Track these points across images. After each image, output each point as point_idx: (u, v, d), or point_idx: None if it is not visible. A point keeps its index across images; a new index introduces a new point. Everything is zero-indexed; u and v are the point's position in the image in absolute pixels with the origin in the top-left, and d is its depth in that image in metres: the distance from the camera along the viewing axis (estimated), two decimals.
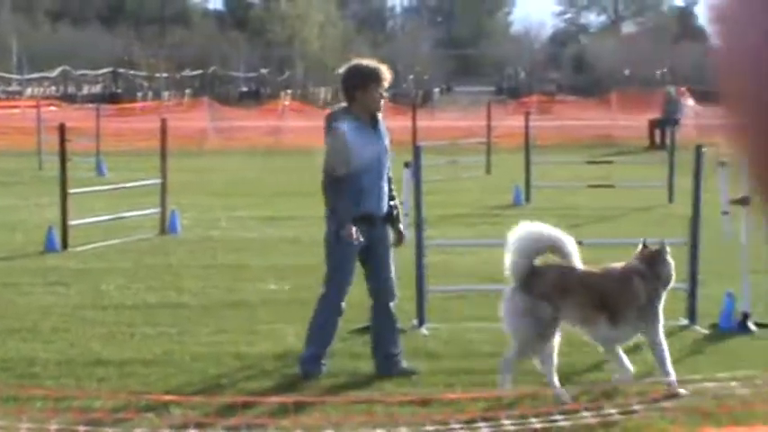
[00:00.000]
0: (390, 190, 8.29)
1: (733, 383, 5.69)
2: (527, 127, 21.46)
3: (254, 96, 75.65)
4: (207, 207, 19.45)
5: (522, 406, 5.91)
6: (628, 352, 8.40)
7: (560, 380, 7.81)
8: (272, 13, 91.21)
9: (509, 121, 35.57)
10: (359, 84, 8.03)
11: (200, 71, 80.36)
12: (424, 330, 9.55)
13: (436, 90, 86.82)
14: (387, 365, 8.15)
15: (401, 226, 8.56)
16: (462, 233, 16.16)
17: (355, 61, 8.37)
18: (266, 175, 27.02)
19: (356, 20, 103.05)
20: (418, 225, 9.94)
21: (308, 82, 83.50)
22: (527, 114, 22.75)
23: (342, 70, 8.31)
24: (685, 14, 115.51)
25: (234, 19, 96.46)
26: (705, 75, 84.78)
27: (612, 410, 4.39)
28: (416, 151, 10.31)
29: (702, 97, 53.55)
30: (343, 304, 8.19)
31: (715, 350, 8.90)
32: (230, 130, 41.95)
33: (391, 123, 39.63)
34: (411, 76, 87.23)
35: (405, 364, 8.31)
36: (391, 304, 8.41)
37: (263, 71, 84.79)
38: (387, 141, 8.27)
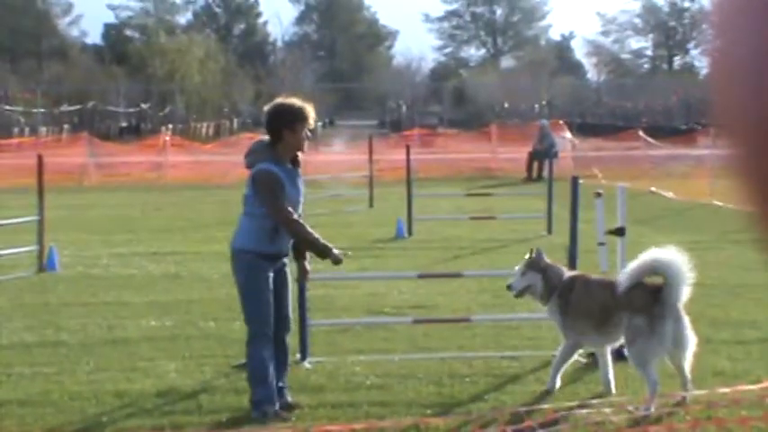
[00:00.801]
0: None
1: (607, 410, 5.80)
2: (408, 160, 21.63)
3: (135, 131, 74.83)
4: (87, 243, 19.16)
5: None
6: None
7: (444, 411, 7.88)
8: (152, 48, 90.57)
9: (391, 155, 35.81)
10: (287, 123, 7.99)
11: (78, 106, 79.17)
12: (306, 364, 9.54)
13: (319, 124, 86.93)
14: None
15: (306, 262, 8.55)
16: (345, 266, 16.15)
17: (281, 100, 8.29)
18: (148, 210, 26.73)
19: (237, 54, 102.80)
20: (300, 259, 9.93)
21: (189, 117, 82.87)
22: (408, 148, 22.92)
23: (268, 108, 8.20)
24: (562, 48, 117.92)
25: (113, 53, 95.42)
26: (581, 108, 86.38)
27: None
28: None
29: (579, 129, 54.58)
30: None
31: (593, 378, 9.06)
32: (111, 166, 41.43)
33: None
34: None
35: (289, 398, 8.28)
36: (287, 338, 8.34)
37: (144, 106, 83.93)
38: (302, 181, 8.24)
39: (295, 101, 8.23)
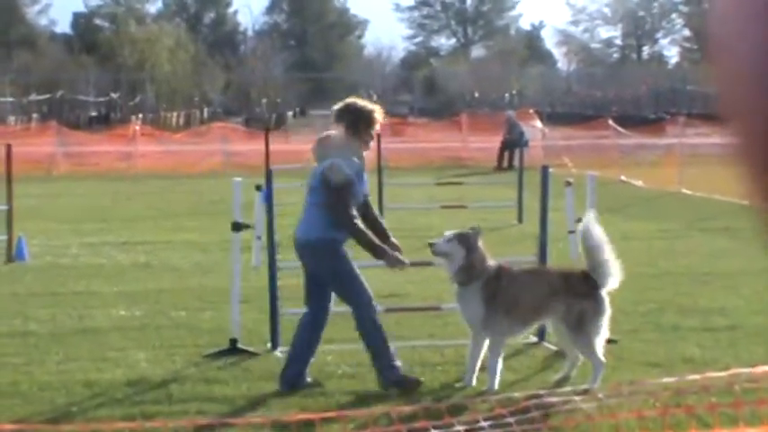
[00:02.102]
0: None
1: (577, 398, 5.84)
2: (379, 149, 21.61)
3: (105, 121, 74.43)
4: (56, 233, 19.06)
5: (373, 426, 5.95)
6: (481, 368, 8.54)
7: (416, 399, 7.90)
8: (122, 37, 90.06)
9: None
10: (366, 121, 8.35)
11: (47, 95, 78.70)
12: (278, 353, 9.53)
13: (290, 113, 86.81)
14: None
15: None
16: None
17: (358, 99, 8.57)
18: (118, 200, 26.61)
19: (207, 43, 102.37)
20: (271, 248, 9.92)
21: (159, 106, 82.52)
22: (379, 136, 22.89)
23: (349, 104, 8.42)
24: (532, 38, 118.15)
25: (82, 42, 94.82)
26: (551, 97, 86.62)
27: (460, 428, 4.46)
28: (268, 175, 10.29)
29: (549, 119, 54.74)
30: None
31: (561, 367, 9.10)
32: (80, 155, 41.20)
33: (244, 147, 39.61)
34: (264, 100, 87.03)
35: (309, 378, 8.47)
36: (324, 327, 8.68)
37: (114, 95, 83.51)
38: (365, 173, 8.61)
39: (368, 102, 8.53)
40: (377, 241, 8.29)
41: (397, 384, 8.23)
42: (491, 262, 8.54)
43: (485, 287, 8.38)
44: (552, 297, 8.38)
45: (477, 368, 8.42)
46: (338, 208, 8.16)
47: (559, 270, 8.79)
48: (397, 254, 8.32)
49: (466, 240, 8.44)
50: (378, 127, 8.46)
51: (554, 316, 8.44)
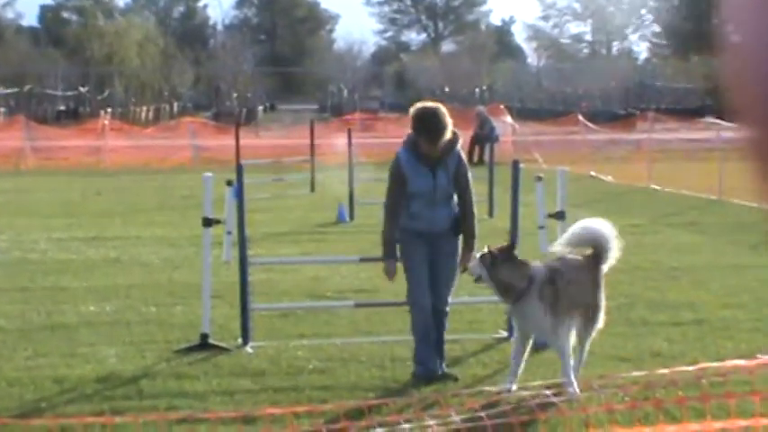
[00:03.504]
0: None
1: (547, 392, 5.87)
2: (350, 144, 21.61)
3: (73, 115, 74.01)
4: (25, 228, 18.95)
5: (344, 420, 5.96)
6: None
7: (387, 394, 7.92)
8: (90, 30, 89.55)
9: (333, 139, 35.77)
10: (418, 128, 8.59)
11: (15, 89, 78.13)
12: (248, 349, 9.52)
13: (260, 108, 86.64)
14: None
15: (468, 250, 8.60)
16: (287, 251, 16.17)
17: (429, 105, 8.65)
18: (87, 195, 26.47)
19: (176, 37, 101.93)
20: (241, 243, 9.91)
21: (128, 101, 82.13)
22: (350, 132, 22.89)
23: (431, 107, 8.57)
24: (503, 33, 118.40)
25: (49, 36, 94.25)
26: (521, 92, 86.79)
27: (431, 422, 4.48)
28: (239, 170, 10.27)
29: (519, 114, 54.84)
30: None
31: (534, 361, 9.12)
32: (48, 150, 40.98)
33: (214, 142, 39.49)
34: (234, 95, 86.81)
35: (445, 370, 8.59)
36: (443, 317, 8.71)
37: (82, 89, 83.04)
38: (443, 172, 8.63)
39: (432, 111, 8.54)
40: (389, 240, 8.57)
41: (421, 377, 8.41)
42: (536, 267, 8.17)
43: (540, 297, 7.99)
44: (594, 286, 8.29)
45: (520, 373, 8.12)
46: (386, 192, 8.64)
47: (583, 257, 8.44)
48: (387, 265, 8.55)
49: (485, 261, 8.11)
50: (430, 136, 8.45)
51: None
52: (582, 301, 8.18)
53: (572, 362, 8.01)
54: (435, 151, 8.45)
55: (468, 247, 8.57)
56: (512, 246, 8.39)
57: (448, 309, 8.76)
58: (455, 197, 8.65)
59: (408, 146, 8.59)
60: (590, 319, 8.25)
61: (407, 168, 8.54)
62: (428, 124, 8.44)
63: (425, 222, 8.55)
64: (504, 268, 8.03)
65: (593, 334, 8.34)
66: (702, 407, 5.41)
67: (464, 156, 8.80)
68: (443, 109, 8.55)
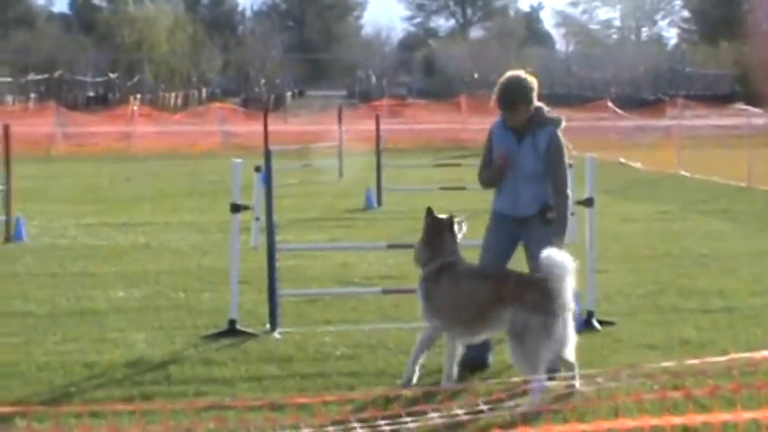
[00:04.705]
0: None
1: (575, 382, 5.84)
2: (378, 130, 21.59)
3: (103, 101, 74.35)
4: (55, 214, 19.05)
5: (372, 408, 5.95)
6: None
7: (401, 383, 7.90)
8: (120, 17, 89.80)
9: (361, 125, 35.75)
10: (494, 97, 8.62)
11: (46, 75, 78.54)
12: (276, 335, 9.53)
13: (288, 94, 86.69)
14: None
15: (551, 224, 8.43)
16: (315, 237, 16.19)
17: (519, 75, 8.59)
18: (116, 181, 26.59)
19: (205, 23, 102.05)
20: (270, 229, 9.92)
21: (157, 87, 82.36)
22: (377, 117, 22.87)
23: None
24: (531, 19, 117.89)
25: (80, 22, 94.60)
26: (550, 78, 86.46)
27: (459, 411, 4.47)
28: (267, 155, 10.27)
29: (548, 100, 54.51)
30: None
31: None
32: (79, 136, 41.20)
33: (243, 128, 39.51)
34: (263, 81, 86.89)
35: (490, 357, 8.46)
36: None
37: (112, 75, 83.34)
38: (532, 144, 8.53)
39: (511, 79, 8.50)
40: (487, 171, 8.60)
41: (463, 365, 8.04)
42: (445, 254, 7.94)
43: (425, 280, 7.95)
44: (497, 305, 7.55)
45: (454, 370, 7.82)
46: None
47: (516, 274, 7.88)
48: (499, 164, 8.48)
49: (425, 220, 8.14)
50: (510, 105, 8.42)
51: (501, 326, 7.59)
52: (463, 315, 7.70)
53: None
54: (513, 120, 8.41)
55: (558, 231, 8.29)
56: (449, 220, 8.14)
57: None
58: (546, 184, 8.41)
59: (502, 117, 8.58)
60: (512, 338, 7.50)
61: (495, 136, 8.58)
62: (502, 92, 8.41)
63: (509, 199, 8.42)
64: (424, 233, 8.11)
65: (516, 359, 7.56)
66: (733, 396, 5.38)
67: (562, 138, 8.54)
68: (528, 79, 8.44)
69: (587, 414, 6.38)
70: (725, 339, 9.34)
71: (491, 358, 8.48)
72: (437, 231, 8.03)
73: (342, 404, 6.88)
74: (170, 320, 10.26)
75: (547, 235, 8.20)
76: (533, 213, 8.40)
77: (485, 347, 8.39)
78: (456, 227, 8.09)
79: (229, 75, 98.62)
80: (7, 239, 15.68)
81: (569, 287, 7.34)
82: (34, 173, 26.82)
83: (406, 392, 7.43)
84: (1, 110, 51.53)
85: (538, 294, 7.38)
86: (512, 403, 6.31)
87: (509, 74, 8.57)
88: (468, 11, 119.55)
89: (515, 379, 6.88)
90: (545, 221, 8.37)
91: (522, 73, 8.55)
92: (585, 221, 10.35)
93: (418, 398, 7.06)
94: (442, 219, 8.14)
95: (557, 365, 7.60)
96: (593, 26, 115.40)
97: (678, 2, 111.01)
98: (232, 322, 9.64)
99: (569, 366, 7.54)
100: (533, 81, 8.43)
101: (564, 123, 8.66)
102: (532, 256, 8.09)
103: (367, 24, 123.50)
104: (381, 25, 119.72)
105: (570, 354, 7.53)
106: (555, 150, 8.43)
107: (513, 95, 8.37)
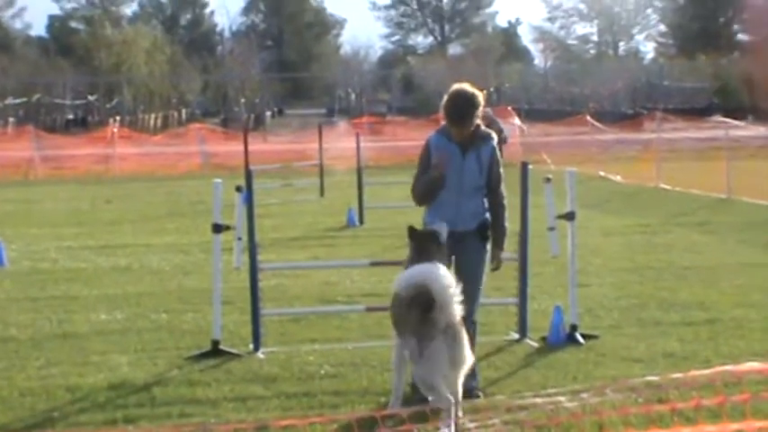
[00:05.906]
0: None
1: (561, 398, 5.83)
2: (358, 148, 21.60)
3: (82, 124, 74.21)
4: (35, 238, 18.96)
5: (359, 428, 5.94)
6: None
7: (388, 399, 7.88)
8: (98, 40, 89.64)
9: (341, 143, 35.76)
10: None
11: (24, 99, 78.30)
12: (260, 354, 9.51)
13: (268, 113, 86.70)
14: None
15: (497, 249, 8.43)
16: (297, 256, 16.16)
17: (461, 88, 8.38)
18: (96, 203, 26.49)
19: (184, 45, 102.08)
20: (252, 249, 9.90)
21: (137, 108, 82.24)
22: (358, 135, 22.87)
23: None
24: (509, 35, 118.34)
25: (58, 45, 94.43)
26: (529, 94, 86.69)
27: (445, 429, 4.46)
28: (248, 175, 10.27)
29: (527, 115, 54.70)
30: None
31: (546, 363, 9.12)
32: (57, 159, 41.06)
33: (222, 148, 39.41)
34: (242, 100, 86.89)
35: (475, 383, 8.09)
36: (472, 315, 8.11)
37: (91, 98, 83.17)
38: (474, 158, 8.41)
39: (462, 92, 8.32)
40: (428, 180, 8.29)
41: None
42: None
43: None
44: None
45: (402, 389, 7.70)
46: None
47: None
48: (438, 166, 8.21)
49: (409, 239, 8.01)
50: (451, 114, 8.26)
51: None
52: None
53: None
54: (461, 134, 8.27)
55: (499, 245, 8.35)
56: (431, 232, 8.01)
57: (476, 318, 8.37)
58: (485, 200, 8.40)
59: (441, 131, 8.43)
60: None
61: (435, 149, 8.30)
62: (454, 105, 8.25)
63: (450, 213, 8.23)
64: (417, 249, 7.92)
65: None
66: (718, 409, 5.39)
67: (500, 153, 8.53)
68: (476, 94, 8.28)
69: (572, 429, 6.38)
70: (708, 351, 9.37)
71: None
72: (423, 247, 7.97)
73: (326, 425, 6.86)
74: (153, 342, 10.22)
75: (481, 252, 8.29)
76: (473, 229, 8.34)
77: (471, 375, 8.22)
78: (441, 236, 8.01)
79: (209, 95, 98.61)
80: None
81: (445, 307, 7.05)
82: (13, 197, 26.72)
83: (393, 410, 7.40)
84: None
85: (414, 317, 7.17)
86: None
87: (457, 87, 8.36)
88: (446, 28, 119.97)
89: (500, 397, 6.87)
90: (482, 238, 8.36)
91: (469, 87, 8.37)
92: (567, 235, 10.36)
93: (405, 416, 7.05)
94: (424, 232, 8.10)
95: (468, 385, 7.54)
96: (570, 41, 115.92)
97: (655, 16, 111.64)
98: (215, 343, 9.61)
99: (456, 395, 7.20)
100: (481, 95, 8.38)
101: (506, 137, 8.75)
102: (464, 273, 7.97)
103: (346, 43, 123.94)
104: (360, 43, 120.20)
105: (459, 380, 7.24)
106: (497, 163, 8.48)
107: (464, 110, 8.24)
